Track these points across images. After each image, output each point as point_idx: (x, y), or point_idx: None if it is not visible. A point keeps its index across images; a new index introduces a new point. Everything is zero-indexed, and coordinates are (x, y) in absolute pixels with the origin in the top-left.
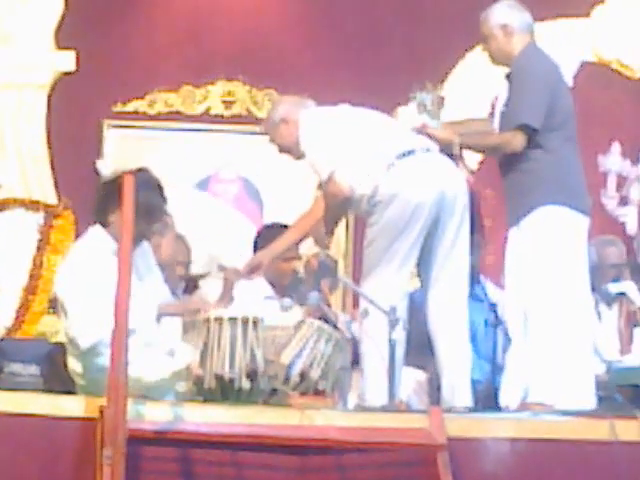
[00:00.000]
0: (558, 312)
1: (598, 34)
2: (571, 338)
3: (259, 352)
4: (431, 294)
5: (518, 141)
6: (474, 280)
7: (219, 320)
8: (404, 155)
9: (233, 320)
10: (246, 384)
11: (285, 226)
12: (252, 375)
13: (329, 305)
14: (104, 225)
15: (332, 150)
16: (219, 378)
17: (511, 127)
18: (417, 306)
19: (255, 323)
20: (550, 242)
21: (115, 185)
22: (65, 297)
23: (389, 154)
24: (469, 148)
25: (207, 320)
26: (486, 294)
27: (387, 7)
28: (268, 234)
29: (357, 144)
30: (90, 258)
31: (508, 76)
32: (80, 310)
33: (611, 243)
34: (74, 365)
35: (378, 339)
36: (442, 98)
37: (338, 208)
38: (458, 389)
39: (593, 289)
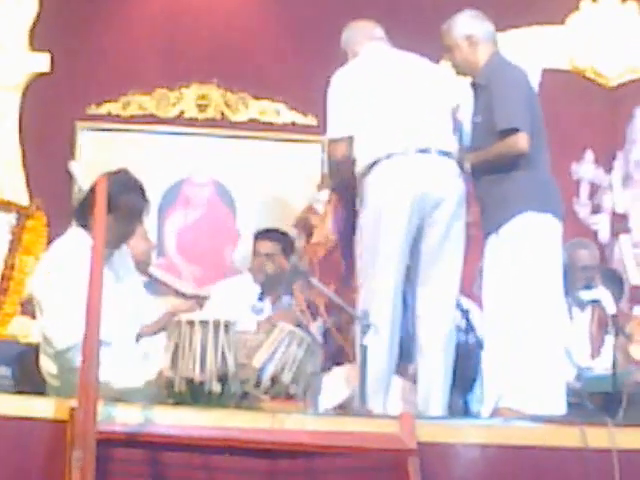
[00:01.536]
0: (534, 318)
1: (573, 42)
2: (544, 345)
3: (230, 355)
4: (417, 303)
5: (523, 142)
6: None
7: (190, 323)
8: (389, 156)
9: (204, 323)
10: (217, 387)
11: (279, 231)
12: (223, 378)
13: (302, 310)
14: (85, 227)
15: (341, 118)
16: (189, 381)
17: (497, 133)
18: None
19: (226, 326)
20: (532, 249)
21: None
22: (42, 297)
23: (378, 150)
24: (478, 164)
25: (178, 323)
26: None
27: (366, 13)
28: (263, 239)
29: (367, 124)
30: (69, 258)
31: (474, 85)
32: (58, 310)
33: (583, 245)
34: (48, 366)
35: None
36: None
37: (336, 169)
38: (433, 397)
39: (565, 292)
